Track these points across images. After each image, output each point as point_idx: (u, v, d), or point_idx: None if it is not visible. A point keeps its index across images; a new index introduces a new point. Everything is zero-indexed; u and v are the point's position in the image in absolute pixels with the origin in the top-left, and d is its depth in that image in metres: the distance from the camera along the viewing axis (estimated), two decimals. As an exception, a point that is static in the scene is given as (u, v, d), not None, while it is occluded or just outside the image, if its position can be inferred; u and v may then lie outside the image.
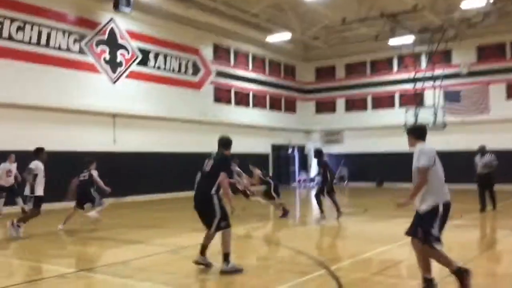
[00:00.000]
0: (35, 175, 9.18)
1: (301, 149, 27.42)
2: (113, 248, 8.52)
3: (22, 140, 14.10)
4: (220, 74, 22.57)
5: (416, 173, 5.03)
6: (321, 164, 12.22)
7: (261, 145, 24.52)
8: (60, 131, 15.58)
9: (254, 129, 23.89)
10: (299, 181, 26.58)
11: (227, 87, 22.99)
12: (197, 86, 21.38)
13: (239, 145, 21.91)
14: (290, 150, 26.83)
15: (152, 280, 5.98)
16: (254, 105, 24.71)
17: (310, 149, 27.70)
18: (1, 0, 14.51)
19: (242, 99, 23.90)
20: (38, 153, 9.51)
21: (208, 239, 6.35)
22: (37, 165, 9.27)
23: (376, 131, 25.24)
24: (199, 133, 20.55)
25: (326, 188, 11.92)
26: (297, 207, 16.75)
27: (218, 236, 6.30)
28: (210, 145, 22.47)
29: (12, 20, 14.78)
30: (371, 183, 25.04)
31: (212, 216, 6.12)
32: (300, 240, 9.15)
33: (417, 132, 5.30)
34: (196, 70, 21.30)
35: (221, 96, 22.66)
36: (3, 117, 14.31)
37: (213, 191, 6.16)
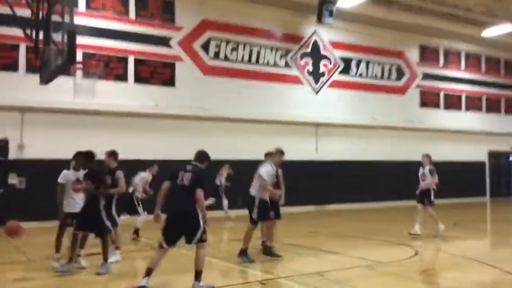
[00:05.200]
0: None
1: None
2: (310, 257, 8.62)
3: (234, 150, 15.65)
4: (427, 76, 21.15)
5: None
6: None
7: (476, 152, 22.10)
8: (267, 142, 16.63)
9: (467, 134, 21.65)
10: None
11: (435, 90, 21.39)
12: (402, 91, 20.42)
13: (450, 153, 20.53)
14: (513, 158, 23.47)
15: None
16: (467, 108, 22.39)
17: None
18: (218, 25, 16.32)
19: (452, 102, 21.92)
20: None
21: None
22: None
23: None
24: (404, 140, 19.64)
25: None
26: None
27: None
28: (417, 153, 21.37)
29: (228, 42, 16.50)
30: None
31: (196, 229, 5.92)
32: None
33: None
34: (400, 75, 20.40)
35: (429, 100, 21.17)
36: (217, 128, 15.94)
37: (194, 205, 5.98)
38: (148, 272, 5.85)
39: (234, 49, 16.66)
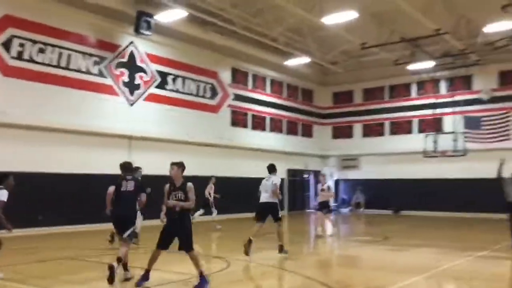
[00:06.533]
0: None
1: (317, 174, 27.08)
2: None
3: (37, 161, 14.15)
4: (237, 97, 22.53)
5: None
6: None
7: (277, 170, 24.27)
8: (75, 153, 15.53)
9: (270, 153, 23.63)
10: (314, 207, 26.20)
11: (244, 110, 22.91)
12: (215, 109, 21.32)
13: (254, 170, 22.05)
14: (306, 175, 26.50)
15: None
16: (271, 129, 24.55)
17: (326, 174, 27.35)
18: (23, 22, 14.70)
19: (258, 123, 23.76)
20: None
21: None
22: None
23: (393, 157, 24.85)
24: (215, 156, 20.41)
25: None
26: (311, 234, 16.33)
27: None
28: (226, 169, 22.29)
29: (34, 42, 14.94)
30: (388, 210, 24.51)
31: (130, 226, 7.62)
32: (315, 269, 8.77)
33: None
34: (214, 93, 21.29)
35: (238, 119, 22.56)
36: (20, 137, 14.27)
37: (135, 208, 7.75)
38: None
39: (42, 50, 15.17)
